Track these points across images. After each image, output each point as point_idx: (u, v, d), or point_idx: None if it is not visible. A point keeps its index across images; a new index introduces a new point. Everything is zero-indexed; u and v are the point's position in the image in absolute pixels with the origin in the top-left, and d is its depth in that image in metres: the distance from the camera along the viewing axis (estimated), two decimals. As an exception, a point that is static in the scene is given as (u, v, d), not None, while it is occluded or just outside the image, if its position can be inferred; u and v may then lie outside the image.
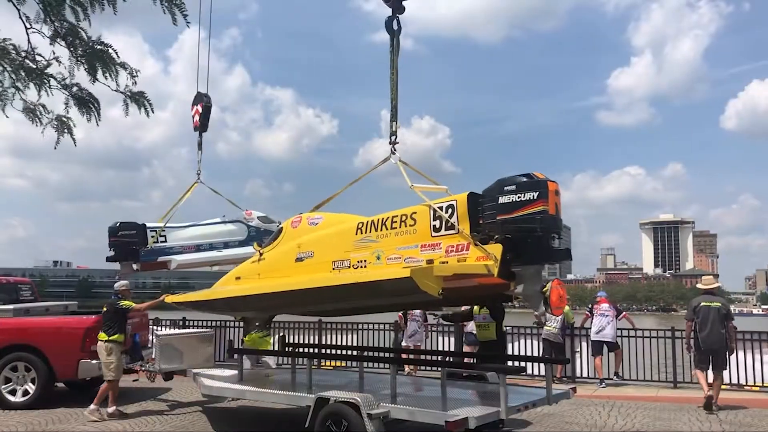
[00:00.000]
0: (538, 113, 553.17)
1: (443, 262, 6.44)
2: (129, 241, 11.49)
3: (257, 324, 11.50)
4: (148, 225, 11.78)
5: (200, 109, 11.71)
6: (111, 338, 9.20)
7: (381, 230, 7.21)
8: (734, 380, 11.60)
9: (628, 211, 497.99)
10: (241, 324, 12.44)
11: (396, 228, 7.08)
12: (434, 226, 6.78)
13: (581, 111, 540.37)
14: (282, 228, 8.89)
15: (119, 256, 11.64)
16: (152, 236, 11.56)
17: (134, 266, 11.69)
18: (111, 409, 9.21)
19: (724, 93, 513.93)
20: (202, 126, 11.83)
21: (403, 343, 13.32)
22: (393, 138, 7.70)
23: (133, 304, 9.52)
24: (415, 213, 7.01)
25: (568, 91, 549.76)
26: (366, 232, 7.38)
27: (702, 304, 9.98)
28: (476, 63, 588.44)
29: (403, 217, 7.07)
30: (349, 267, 7.35)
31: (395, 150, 7.71)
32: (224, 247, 11.95)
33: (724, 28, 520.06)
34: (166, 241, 11.72)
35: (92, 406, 9.12)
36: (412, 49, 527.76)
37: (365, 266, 7.19)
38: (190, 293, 9.69)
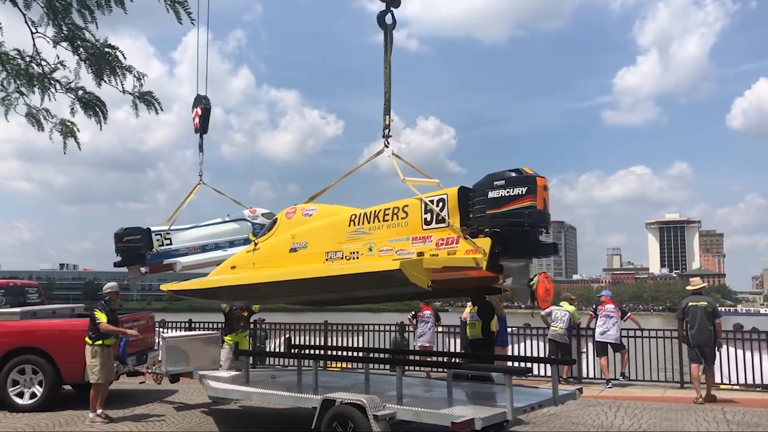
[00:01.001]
0: (543, 113, 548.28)
1: (433, 255, 6.52)
2: (135, 246, 11.56)
3: (242, 324, 12.17)
4: (152, 229, 11.84)
5: (200, 112, 11.82)
6: (95, 344, 9.20)
7: (373, 222, 7.29)
8: (741, 380, 11.56)
9: (634, 211, 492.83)
10: (241, 324, 12.72)
11: (388, 220, 7.16)
12: (425, 219, 6.85)
13: (586, 110, 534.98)
14: (277, 219, 8.96)
15: (126, 261, 11.72)
16: (157, 240, 11.62)
17: (142, 269, 11.77)
18: (98, 411, 9.19)
19: (730, 91, 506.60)
20: (202, 128, 11.95)
21: (417, 344, 13.38)
22: (386, 131, 7.78)
23: (103, 319, 9.18)
24: (406, 206, 7.09)
25: (573, 91, 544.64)
26: (359, 224, 7.47)
27: (690, 304, 10.66)
28: (481, 63, 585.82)
29: (395, 210, 7.16)
30: (342, 258, 7.45)
31: (388, 143, 7.79)
32: (230, 246, 11.97)
33: (730, 26, 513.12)
34: (171, 244, 11.77)
35: (90, 415, 9.14)
36: (416, 50, 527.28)
37: (357, 257, 7.28)
38: (185, 282, 9.73)
